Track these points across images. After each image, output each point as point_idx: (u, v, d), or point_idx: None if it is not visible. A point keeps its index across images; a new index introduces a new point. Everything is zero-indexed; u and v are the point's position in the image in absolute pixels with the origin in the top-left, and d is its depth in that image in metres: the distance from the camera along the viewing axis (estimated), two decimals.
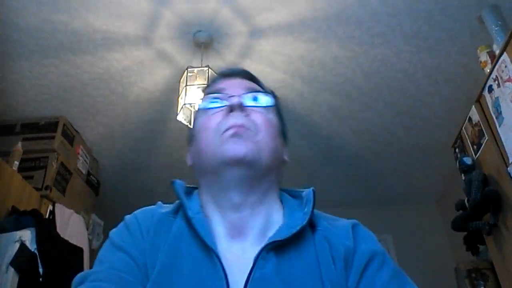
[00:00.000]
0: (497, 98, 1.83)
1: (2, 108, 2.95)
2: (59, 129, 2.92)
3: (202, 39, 2.51)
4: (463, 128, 2.21)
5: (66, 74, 2.72)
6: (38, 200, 2.55)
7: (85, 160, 3.20)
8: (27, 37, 2.44)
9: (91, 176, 3.28)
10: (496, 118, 1.85)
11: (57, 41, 2.49)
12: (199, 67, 2.44)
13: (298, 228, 0.69)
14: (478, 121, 2.01)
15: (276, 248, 0.67)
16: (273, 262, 0.66)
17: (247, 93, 0.79)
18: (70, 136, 3.05)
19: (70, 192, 2.91)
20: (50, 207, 2.61)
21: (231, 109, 0.75)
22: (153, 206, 0.79)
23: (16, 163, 2.48)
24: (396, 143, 3.51)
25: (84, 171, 3.18)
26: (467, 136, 2.17)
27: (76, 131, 3.15)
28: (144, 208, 0.80)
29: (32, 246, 2.10)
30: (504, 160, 1.81)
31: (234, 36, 2.52)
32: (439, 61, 2.71)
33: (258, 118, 0.76)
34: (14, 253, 1.99)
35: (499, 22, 1.89)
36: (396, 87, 2.92)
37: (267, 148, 0.74)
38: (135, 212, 0.78)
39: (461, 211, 2.19)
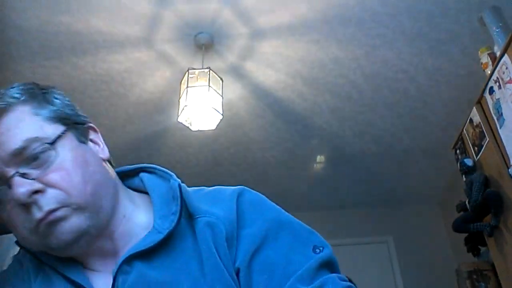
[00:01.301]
0: (498, 99, 1.83)
1: None
2: None
3: (203, 41, 2.51)
4: (464, 129, 2.21)
5: (68, 75, 2.72)
6: None
7: None
8: (29, 39, 2.45)
9: None
10: (497, 119, 1.84)
11: (59, 43, 2.49)
12: (200, 69, 2.44)
13: (165, 233, 0.63)
14: (479, 123, 2.01)
15: (142, 256, 0.62)
16: (138, 272, 0.61)
17: (20, 167, 0.60)
18: None
19: None
20: None
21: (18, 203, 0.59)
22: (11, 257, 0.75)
23: None
24: (397, 144, 3.51)
25: None
26: (468, 138, 2.17)
27: None
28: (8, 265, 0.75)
29: None
30: (505, 162, 1.81)
31: (235, 37, 2.52)
32: (440, 62, 2.71)
33: (54, 178, 0.60)
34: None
35: (500, 24, 1.89)
36: (397, 88, 2.93)
37: (90, 198, 0.62)
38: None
39: (462, 213, 2.19)
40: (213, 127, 2.47)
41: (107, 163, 0.72)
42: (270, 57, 2.66)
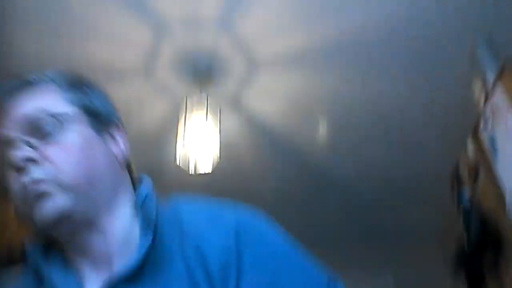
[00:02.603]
0: (492, 133, 1.82)
1: None
2: None
3: (201, 71, 2.53)
4: (459, 164, 2.20)
5: None
6: None
7: None
8: (27, 66, 2.47)
9: None
10: (492, 154, 1.83)
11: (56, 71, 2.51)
12: (198, 99, 2.44)
13: (144, 250, 0.60)
14: (474, 157, 2.00)
15: (126, 280, 0.59)
16: None
17: (27, 136, 0.63)
18: None
19: None
20: None
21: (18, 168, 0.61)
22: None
23: None
24: (394, 179, 3.46)
25: None
26: (463, 172, 2.15)
27: None
28: None
29: None
30: (501, 197, 1.79)
31: (233, 68, 2.55)
32: (435, 94, 2.71)
33: (51, 153, 0.62)
34: None
35: (493, 56, 1.90)
36: (393, 121, 2.92)
37: (81, 181, 0.62)
38: None
39: (461, 250, 2.15)
40: (209, 170, 2.42)
41: (122, 164, 0.72)
42: (268, 87, 2.67)
